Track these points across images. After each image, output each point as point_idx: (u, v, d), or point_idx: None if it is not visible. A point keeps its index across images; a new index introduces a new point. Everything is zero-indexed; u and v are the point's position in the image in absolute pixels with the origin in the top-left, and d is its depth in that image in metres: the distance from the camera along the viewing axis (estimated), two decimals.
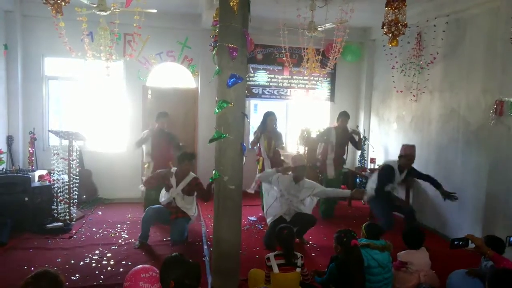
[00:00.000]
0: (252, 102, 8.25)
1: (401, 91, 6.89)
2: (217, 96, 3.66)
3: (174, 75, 7.71)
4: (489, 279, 2.42)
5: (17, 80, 6.79)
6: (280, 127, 7.09)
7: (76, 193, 5.83)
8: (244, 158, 3.81)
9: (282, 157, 6.54)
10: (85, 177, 6.85)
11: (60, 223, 5.46)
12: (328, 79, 8.33)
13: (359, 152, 7.90)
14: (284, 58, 6.07)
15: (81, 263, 4.37)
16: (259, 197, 6.38)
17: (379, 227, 3.79)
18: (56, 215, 5.55)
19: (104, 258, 4.51)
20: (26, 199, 5.37)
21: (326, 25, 5.54)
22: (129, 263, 4.36)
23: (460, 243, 3.26)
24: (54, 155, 5.73)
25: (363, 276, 3.27)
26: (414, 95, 6.53)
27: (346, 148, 6.82)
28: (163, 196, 5.15)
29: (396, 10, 4.29)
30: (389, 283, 3.57)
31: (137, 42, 5.32)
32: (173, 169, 5.18)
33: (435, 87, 6.09)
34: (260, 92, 8.08)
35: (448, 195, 5.02)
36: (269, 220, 5.20)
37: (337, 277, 3.33)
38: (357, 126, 8.23)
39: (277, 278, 3.29)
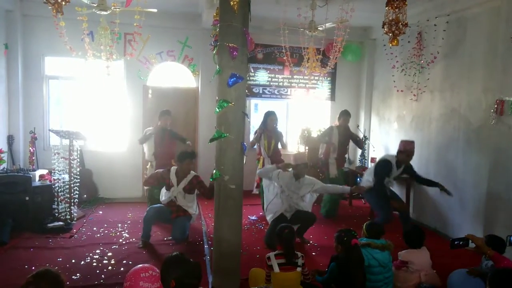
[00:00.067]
0: (252, 102, 8.25)
1: (401, 91, 6.88)
2: (217, 95, 3.66)
3: (175, 75, 7.71)
4: (490, 279, 2.42)
5: (18, 80, 6.79)
6: (281, 126, 7.10)
7: (77, 192, 5.83)
8: (245, 157, 3.81)
9: (282, 157, 6.55)
10: (86, 177, 6.86)
11: (61, 223, 5.46)
12: (329, 78, 8.33)
13: (359, 152, 7.90)
14: (284, 58, 6.06)
15: (82, 262, 4.38)
16: (260, 196, 6.38)
17: (380, 226, 3.79)
18: (56, 214, 5.55)
19: (105, 258, 4.51)
20: (27, 198, 5.37)
21: (327, 24, 5.54)
22: (130, 262, 4.36)
23: (461, 243, 3.26)
24: (54, 154, 5.73)
25: (363, 276, 3.27)
26: (414, 95, 6.53)
27: (347, 147, 6.82)
28: (164, 195, 5.16)
29: (397, 10, 4.29)
30: (389, 283, 3.57)
31: (137, 41, 5.33)
32: (173, 168, 5.18)
33: (436, 86, 6.09)
34: (261, 92, 8.07)
35: (444, 189, 5.10)
36: (269, 218, 5.21)
37: (338, 277, 3.33)
38: (358, 126, 8.23)
39: (277, 278, 3.29)
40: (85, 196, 6.81)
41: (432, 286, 3.69)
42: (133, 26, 4.66)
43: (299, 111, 8.53)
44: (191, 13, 7.15)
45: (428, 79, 6.18)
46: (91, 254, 4.60)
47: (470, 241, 3.23)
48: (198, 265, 2.47)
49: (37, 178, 5.77)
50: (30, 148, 6.67)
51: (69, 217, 5.61)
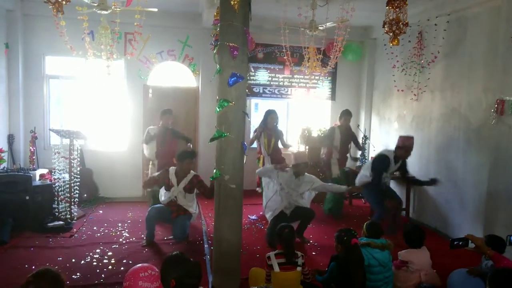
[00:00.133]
0: (253, 101, 8.25)
1: (402, 90, 6.88)
2: (218, 95, 3.66)
3: (175, 74, 7.71)
4: (490, 279, 2.42)
5: (18, 79, 6.79)
6: (281, 126, 7.11)
7: (77, 192, 5.83)
8: (245, 157, 3.81)
9: (282, 155, 6.55)
10: (86, 176, 6.86)
11: (61, 222, 5.46)
12: (329, 78, 8.32)
13: (359, 152, 7.88)
14: (285, 57, 6.06)
15: (82, 262, 4.38)
16: (260, 196, 6.39)
17: (380, 226, 3.78)
18: (57, 214, 5.56)
19: (105, 257, 4.52)
20: (27, 198, 5.38)
21: (327, 24, 5.53)
22: (130, 261, 4.36)
23: (460, 243, 3.25)
24: (55, 154, 5.73)
25: (363, 275, 3.28)
26: (415, 94, 6.52)
27: (349, 146, 6.82)
28: (163, 195, 5.17)
29: (397, 9, 4.28)
30: (389, 282, 3.57)
31: (138, 41, 5.32)
32: (171, 168, 5.18)
33: (436, 86, 6.08)
34: (261, 91, 8.07)
35: (432, 182, 5.24)
36: (268, 216, 5.24)
37: (338, 276, 3.33)
38: (358, 125, 8.23)
39: (277, 277, 3.29)
40: (85, 195, 6.81)
41: (432, 286, 3.68)
42: (133, 25, 4.66)
43: (299, 110, 8.53)
44: (191, 13, 7.15)
45: (429, 78, 6.18)
46: (91, 254, 4.60)
47: (469, 241, 3.23)
48: (198, 265, 2.47)
49: (37, 178, 5.78)
50: (31, 148, 6.68)
51: (69, 216, 5.61)
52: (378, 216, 5.24)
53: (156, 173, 5.24)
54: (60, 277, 2.23)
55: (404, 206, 6.59)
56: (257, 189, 6.51)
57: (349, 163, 7.02)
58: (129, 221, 5.93)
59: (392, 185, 7.19)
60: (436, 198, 6.05)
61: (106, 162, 7.26)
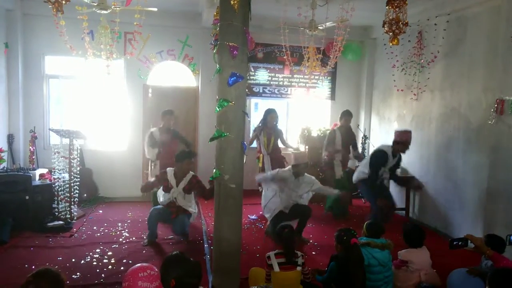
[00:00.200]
0: (252, 101, 8.24)
1: (401, 90, 6.88)
2: (217, 94, 3.66)
3: (175, 74, 7.71)
4: (490, 278, 2.42)
5: (18, 79, 6.79)
6: (281, 125, 7.11)
7: (77, 191, 5.83)
8: (245, 156, 3.81)
9: (281, 154, 6.55)
10: (86, 176, 6.85)
11: (61, 222, 5.46)
12: (329, 77, 8.32)
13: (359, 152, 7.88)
14: (284, 57, 6.06)
15: (82, 261, 4.38)
16: (260, 195, 6.38)
17: (380, 225, 3.78)
18: (56, 213, 5.56)
19: (105, 257, 4.52)
20: (27, 197, 5.37)
21: (327, 23, 5.53)
22: (130, 261, 4.36)
23: (460, 243, 3.25)
24: (54, 153, 5.73)
25: (363, 275, 3.28)
26: (414, 94, 6.52)
27: (350, 147, 6.81)
28: (161, 197, 5.17)
29: (397, 9, 4.28)
30: (389, 282, 3.57)
31: (137, 40, 5.31)
32: (169, 169, 5.17)
33: (436, 86, 6.08)
34: (261, 91, 8.07)
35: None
36: (268, 216, 5.26)
37: (338, 276, 3.33)
38: (358, 125, 8.22)
39: (277, 277, 3.29)
40: (85, 195, 6.81)
41: (432, 286, 3.68)
42: (133, 25, 4.66)
43: (299, 110, 8.53)
44: (191, 12, 7.14)
45: (428, 78, 6.18)
46: (91, 253, 4.60)
47: (469, 241, 3.23)
48: (198, 264, 2.47)
49: (37, 177, 5.77)
50: (30, 147, 6.68)
51: (69, 216, 5.61)
52: (374, 214, 5.26)
53: (152, 179, 5.20)
54: (60, 276, 2.23)
55: (404, 206, 6.62)
56: (259, 188, 6.51)
57: (350, 163, 7.01)
58: (129, 221, 5.93)
59: (392, 185, 7.22)
60: (436, 197, 6.05)
61: (106, 161, 7.26)
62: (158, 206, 5.17)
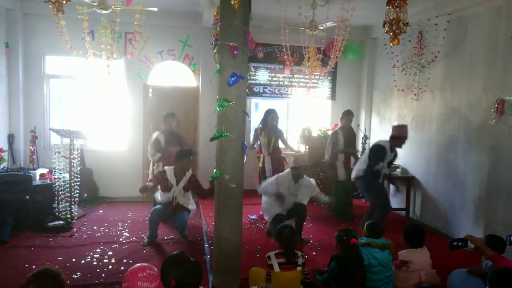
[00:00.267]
0: (253, 101, 8.24)
1: (402, 90, 6.88)
2: (218, 94, 3.66)
3: (175, 74, 7.71)
4: (490, 278, 2.42)
5: (18, 79, 6.79)
6: (281, 125, 7.10)
7: (77, 191, 5.84)
8: (245, 156, 3.81)
9: (282, 154, 6.55)
10: (86, 176, 6.85)
11: (61, 222, 5.46)
12: (329, 77, 8.32)
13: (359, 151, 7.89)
14: (285, 57, 6.05)
15: (82, 261, 4.38)
16: (260, 196, 6.38)
17: (380, 226, 3.78)
18: (57, 213, 5.56)
19: (105, 257, 4.52)
20: (27, 197, 5.37)
21: (327, 23, 5.53)
22: (130, 261, 4.36)
23: (460, 243, 3.25)
24: (55, 153, 5.73)
25: (363, 275, 3.28)
26: (415, 94, 6.52)
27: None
28: (160, 196, 5.18)
29: (397, 9, 4.28)
30: (389, 282, 3.57)
31: (138, 40, 5.31)
32: (167, 168, 5.17)
33: (436, 86, 6.08)
34: (261, 91, 8.07)
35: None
36: (267, 219, 5.28)
37: (338, 276, 3.33)
38: (358, 125, 8.22)
39: (278, 277, 3.29)
40: (85, 195, 6.81)
41: (432, 286, 3.68)
42: (133, 25, 4.66)
43: (299, 110, 8.53)
44: (191, 12, 7.14)
45: (429, 78, 6.18)
46: (91, 253, 4.60)
47: (469, 241, 3.23)
48: (198, 264, 2.47)
49: (37, 177, 5.77)
50: (31, 147, 6.68)
51: (69, 216, 5.61)
52: (370, 211, 5.31)
53: (148, 183, 5.19)
54: (60, 276, 2.24)
55: (404, 206, 6.62)
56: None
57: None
58: (129, 221, 5.93)
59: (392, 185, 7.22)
60: (437, 198, 6.05)
61: (106, 161, 7.26)
62: (158, 206, 5.18)
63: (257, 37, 7.59)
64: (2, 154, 5.96)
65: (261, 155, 6.39)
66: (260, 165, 6.39)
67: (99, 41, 4.82)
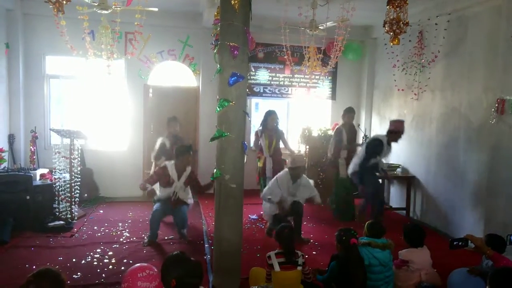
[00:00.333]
0: (253, 101, 8.24)
1: (402, 90, 6.87)
2: (218, 94, 3.66)
3: (175, 74, 7.71)
4: (490, 278, 2.42)
5: (19, 79, 6.80)
6: (281, 125, 7.10)
7: (78, 191, 5.84)
8: (245, 156, 3.81)
9: (282, 156, 6.55)
10: (87, 176, 6.85)
11: (62, 222, 5.46)
12: (329, 77, 8.31)
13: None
14: (285, 57, 6.05)
15: (83, 261, 4.38)
16: (260, 191, 6.39)
17: (381, 225, 3.78)
18: (57, 213, 5.56)
19: (106, 257, 4.52)
20: (28, 197, 5.38)
21: (328, 23, 5.53)
22: (131, 261, 4.36)
23: (460, 243, 3.25)
24: (55, 153, 5.74)
25: (364, 275, 3.27)
26: (415, 94, 6.52)
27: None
28: (160, 192, 5.20)
29: (398, 9, 4.28)
30: (390, 282, 3.57)
31: (138, 40, 5.31)
32: (168, 163, 5.19)
33: (437, 85, 6.08)
34: (261, 91, 8.07)
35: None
36: (266, 218, 5.40)
37: (338, 276, 3.33)
38: (359, 125, 8.21)
39: (278, 277, 3.29)
40: (86, 195, 6.81)
41: (432, 285, 3.68)
42: (134, 25, 4.66)
43: (300, 110, 8.52)
44: (192, 12, 7.14)
45: (429, 78, 6.18)
46: (91, 253, 4.60)
47: (469, 241, 3.23)
48: (199, 264, 2.47)
49: (38, 177, 5.77)
50: (31, 147, 6.68)
51: (70, 216, 5.61)
52: (364, 203, 5.37)
53: (148, 185, 5.19)
54: (60, 276, 2.24)
55: (404, 206, 6.61)
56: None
57: None
58: (129, 221, 5.93)
59: (393, 184, 7.23)
60: (437, 197, 6.05)
61: (106, 161, 7.26)
62: (158, 205, 5.15)
63: (257, 37, 7.59)
64: (3, 154, 5.97)
65: (262, 156, 6.39)
66: (261, 165, 6.39)
67: (100, 41, 4.82)
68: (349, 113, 6.49)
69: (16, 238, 4.99)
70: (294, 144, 7.79)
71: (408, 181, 6.57)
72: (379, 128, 7.91)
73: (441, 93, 5.99)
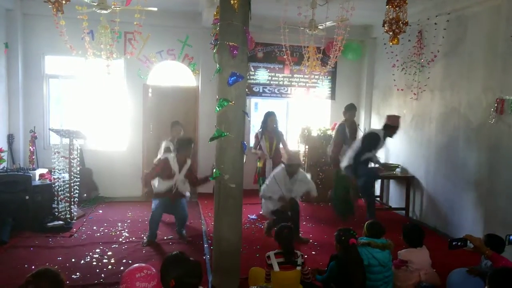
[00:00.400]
0: (252, 101, 8.24)
1: (401, 90, 6.87)
2: (217, 94, 3.65)
3: (175, 74, 7.71)
4: (490, 278, 2.42)
5: (18, 79, 6.79)
6: (281, 125, 7.10)
7: (77, 191, 5.83)
8: (245, 156, 3.81)
9: (282, 158, 6.55)
10: (86, 176, 6.85)
11: (61, 222, 5.46)
12: (329, 77, 8.31)
13: None
14: (284, 56, 6.04)
15: (82, 261, 4.38)
16: (259, 190, 6.38)
17: (381, 225, 3.78)
18: (56, 213, 5.56)
19: (105, 257, 4.52)
20: (27, 197, 5.37)
21: (327, 23, 5.52)
22: (130, 261, 4.36)
23: (459, 243, 3.25)
24: (54, 153, 5.73)
25: (363, 275, 3.27)
26: (414, 94, 6.52)
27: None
28: (160, 185, 5.19)
29: (397, 8, 4.28)
30: (389, 282, 3.57)
31: (137, 40, 5.31)
32: (170, 156, 5.18)
33: (436, 85, 6.08)
34: (261, 91, 8.07)
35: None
36: (264, 213, 5.46)
37: (337, 276, 3.33)
38: (358, 125, 8.19)
39: (277, 277, 3.29)
40: (85, 195, 6.81)
41: (431, 285, 3.68)
42: (133, 25, 4.65)
43: (299, 110, 8.52)
44: (191, 12, 7.14)
45: (428, 78, 6.18)
46: (91, 253, 4.60)
47: (468, 241, 3.23)
48: (198, 264, 2.47)
49: (37, 177, 5.77)
50: (30, 147, 6.67)
51: (69, 216, 5.61)
52: (362, 184, 5.61)
53: (151, 186, 5.22)
54: (59, 277, 2.23)
55: (404, 206, 6.61)
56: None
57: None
58: (128, 221, 5.93)
59: (393, 184, 7.23)
60: (436, 197, 6.05)
61: (105, 161, 7.26)
62: (158, 204, 5.13)
63: (256, 37, 7.59)
64: (2, 154, 5.96)
65: (263, 157, 6.38)
66: (261, 165, 6.38)
67: (99, 41, 4.81)
68: (351, 110, 6.50)
69: (15, 238, 4.99)
70: (294, 144, 7.80)
71: (408, 181, 6.57)
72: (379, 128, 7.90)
73: (441, 93, 5.99)
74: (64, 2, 3.87)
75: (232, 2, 3.42)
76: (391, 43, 4.49)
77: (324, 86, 8.36)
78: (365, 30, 8.02)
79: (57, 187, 5.63)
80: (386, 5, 4.34)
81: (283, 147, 6.56)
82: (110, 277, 3.99)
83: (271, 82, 8.09)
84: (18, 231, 5.17)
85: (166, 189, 5.13)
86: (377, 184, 7.24)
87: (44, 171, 5.99)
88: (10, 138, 6.69)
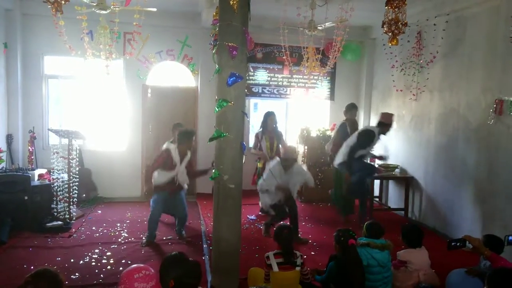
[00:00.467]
0: (252, 101, 8.24)
1: (401, 90, 6.88)
2: (217, 95, 3.66)
3: (174, 74, 7.70)
4: (488, 278, 2.43)
5: (17, 79, 6.78)
6: (280, 126, 7.08)
7: (76, 192, 5.83)
8: (244, 157, 3.81)
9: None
10: (85, 176, 6.85)
11: (60, 222, 5.46)
12: (328, 78, 8.32)
13: None
14: (284, 57, 6.05)
15: (81, 262, 4.38)
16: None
17: (380, 226, 3.78)
18: (55, 214, 5.55)
19: (104, 257, 4.51)
20: (26, 198, 5.37)
21: (326, 24, 5.53)
22: (129, 262, 4.35)
23: (458, 244, 3.26)
24: (53, 154, 5.73)
25: (362, 275, 3.27)
26: (414, 94, 6.52)
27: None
28: (161, 176, 5.16)
29: (396, 9, 4.28)
30: (388, 282, 3.57)
31: (137, 40, 5.30)
32: (172, 147, 5.18)
33: (435, 86, 6.09)
34: (260, 91, 8.07)
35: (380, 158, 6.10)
36: (263, 205, 5.55)
37: (336, 276, 3.33)
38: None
39: (276, 277, 3.29)
40: (84, 195, 6.80)
41: (431, 286, 3.69)
42: (132, 25, 4.65)
43: (298, 110, 8.52)
44: (190, 12, 7.14)
45: (428, 78, 6.18)
46: (90, 254, 4.60)
47: (467, 241, 3.23)
48: (197, 265, 2.47)
49: (36, 178, 5.76)
50: (29, 148, 6.66)
51: (68, 216, 5.60)
52: (356, 179, 5.63)
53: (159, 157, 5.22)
54: (58, 277, 2.23)
55: (403, 206, 6.62)
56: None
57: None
58: (128, 221, 5.93)
59: (392, 184, 7.24)
60: (435, 197, 6.05)
61: (105, 162, 7.25)
62: (157, 205, 5.13)
63: (256, 37, 7.60)
64: (1, 154, 5.96)
65: (263, 157, 6.39)
66: (261, 165, 6.38)
67: (98, 41, 4.81)
68: (352, 109, 6.51)
69: (14, 239, 4.99)
70: (293, 144, 7.79)
71: (407, 181, 6.57)
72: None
73: (440, 93, 6.00)
74: (63, 2, 3.86)
75: (231, 2, 3.42)
76: (390, 44, 4.49)
77: (323, 87, 8.36)
78: (364, 31, 8.03)
79: (56, 187, 5.62)
80: (385, 6, 4.35)
81: (282, 147, 6.56)
82: (109, 277, 3.98)
83: (270, 83, 8.09)
84: (17, 232, 5.17)
85: (166, 181, 5.11)
86: (376, 185, 7.25)
87: (43, 171, 5.98)
88: (9, 138, 6.68)
